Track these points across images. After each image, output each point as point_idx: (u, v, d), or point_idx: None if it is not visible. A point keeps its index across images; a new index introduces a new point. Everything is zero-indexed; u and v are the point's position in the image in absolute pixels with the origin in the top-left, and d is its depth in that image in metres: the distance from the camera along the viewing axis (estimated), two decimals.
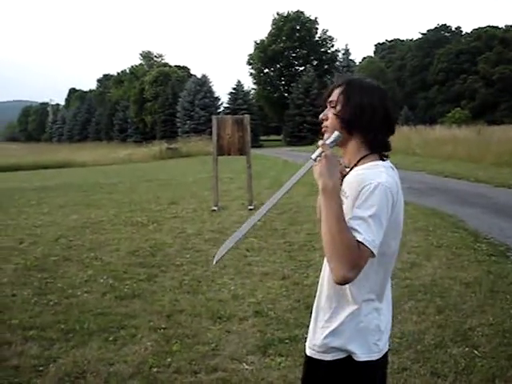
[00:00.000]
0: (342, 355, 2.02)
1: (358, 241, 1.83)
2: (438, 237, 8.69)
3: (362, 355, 2.01)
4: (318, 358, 2.07)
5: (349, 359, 2.02)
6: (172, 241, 8.94)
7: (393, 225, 1.97)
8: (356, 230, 1.84)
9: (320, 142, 1.97)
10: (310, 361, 2.12)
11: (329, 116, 2.11)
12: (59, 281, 6.72)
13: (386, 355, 2.12)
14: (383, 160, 2.08)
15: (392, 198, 1.93)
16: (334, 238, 1.83)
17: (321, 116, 2.15)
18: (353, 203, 1.92)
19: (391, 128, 2.12)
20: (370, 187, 1.89)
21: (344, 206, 1.92)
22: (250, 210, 11.84)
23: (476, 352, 4.41)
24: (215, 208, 12.10)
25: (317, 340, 2.09)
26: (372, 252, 1.85)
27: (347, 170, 2.09)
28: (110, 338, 4.87)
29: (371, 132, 2.05)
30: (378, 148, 2.09)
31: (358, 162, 2.06)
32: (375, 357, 2.03)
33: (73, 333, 5.00)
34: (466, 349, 4.48)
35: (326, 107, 2.15)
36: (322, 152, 1.93)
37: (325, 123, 2.13)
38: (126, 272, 7.08)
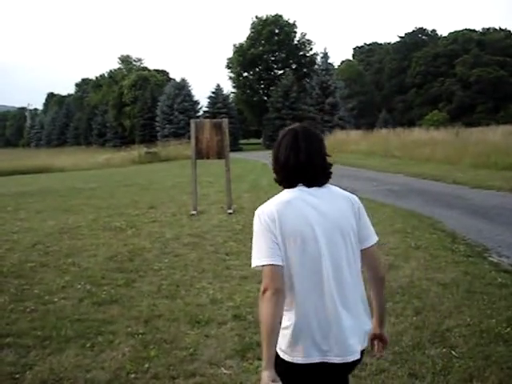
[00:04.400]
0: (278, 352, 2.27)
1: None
2: (416, 238, 8.74)
3: (284, 355, 2.28)
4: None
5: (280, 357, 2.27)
6: (150, 245, 8.89)
7: (290, 237, 2.24)
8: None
9: None
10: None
11: None
12: (36, 287, 6.65)
13: (334, 365, 2.26)
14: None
15: (269, 219, 2.25)
16: None
17: None
18: None
19: (281, 166, 2.38)
20: None
21: None
22: (229, 213, 11.82)
23: (453, 352, 4.44)
24: (194, 212, 12.05)
25: None
26: (261, 266, 2.21)
27: None
28: (88, 345, 4.82)
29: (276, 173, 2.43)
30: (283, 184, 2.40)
31: None
32: (300, 360, 2.24)
33: (49, 340, 4.95)
34: (444, 349, 4.51)
35: None
36: None
37: None
38: (103, 277, 7.02)
